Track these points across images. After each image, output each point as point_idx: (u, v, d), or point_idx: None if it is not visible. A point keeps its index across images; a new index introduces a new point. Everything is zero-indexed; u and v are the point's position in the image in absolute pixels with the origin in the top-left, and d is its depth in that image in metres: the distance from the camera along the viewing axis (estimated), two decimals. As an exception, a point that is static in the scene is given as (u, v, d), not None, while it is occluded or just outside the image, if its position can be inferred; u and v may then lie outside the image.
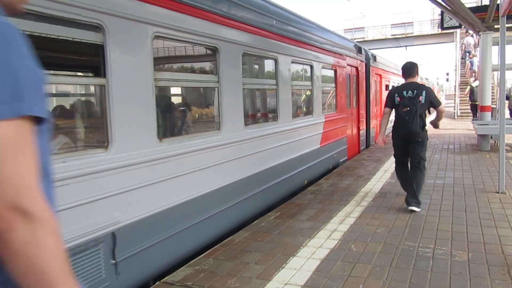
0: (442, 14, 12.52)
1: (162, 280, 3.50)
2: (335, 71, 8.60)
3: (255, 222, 5.05)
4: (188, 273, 3.61)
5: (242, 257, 3.94)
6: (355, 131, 10.63)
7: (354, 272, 3.50)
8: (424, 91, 5.19)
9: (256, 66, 6.29)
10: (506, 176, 6.47)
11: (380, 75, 13.96)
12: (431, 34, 38.48)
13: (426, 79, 34.26)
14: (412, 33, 40.82)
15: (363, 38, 41.92)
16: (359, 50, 10.83)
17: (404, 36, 40.84)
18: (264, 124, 5.92)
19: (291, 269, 3.63)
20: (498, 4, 8.42)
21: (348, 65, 9.51)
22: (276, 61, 5.85)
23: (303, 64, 6.94)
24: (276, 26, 5.73)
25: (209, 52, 4.50)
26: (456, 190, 6.25)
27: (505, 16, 6.03)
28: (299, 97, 7.43)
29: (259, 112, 6.39)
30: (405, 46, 42.22)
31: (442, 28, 13.36)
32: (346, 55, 9.27)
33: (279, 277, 3.46)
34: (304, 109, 7.55)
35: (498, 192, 6.03)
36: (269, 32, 5.55)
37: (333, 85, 8.56)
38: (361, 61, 10.96)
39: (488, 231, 4.42)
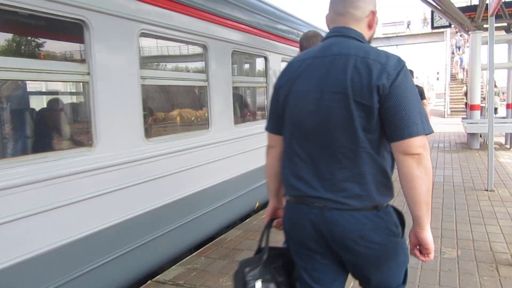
0: (432, 13, 12.64)
1: (153, 279, 3.49)
2: None
3: (247, 220, 5.06)
4: (179, 272, 3.60)
5: (234, 256, 3.94)
6: None
7: (345, 270, 3.52)
8: None
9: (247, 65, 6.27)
10: (494, 174, 6.56)
11: None
12: (421, 33, 38.75)
13: (417, 77, 34.59)
14: (403, 32, 41.07)
15: (355, 37, 42.10)
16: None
17: (395, 35, 41.08)
18: (253, 123, 5.80)
19: (283, 267, 3.63)
20: (487, 4, 8.52)
21: None
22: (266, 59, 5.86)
23: None
24: (265, 24, 5.72)
25: (198, 49, 4.46)
26: (446, 188, 6.32)
27: (494, 15, 6.10)
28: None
29: (247, 111, 6.31)
30: (396, 45, 42.44)
31: (433, 27, 13.50)
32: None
33: (270, 275, 3.47)
34: None
35: (487, 190, 6.10)
36: (259, 30, 5.54)
37: None
38: None
39: (477, 228, 4.47)
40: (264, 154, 1.85)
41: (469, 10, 10.77)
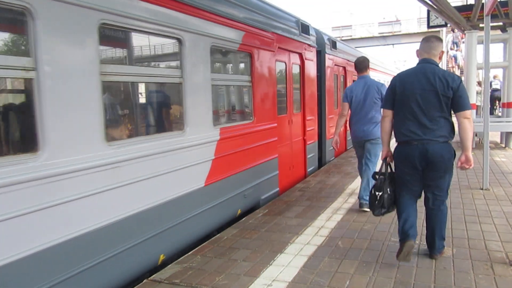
0: (428, 12, 12.66)
1: (149, 278, 3.48)
2: (251, 57, 5.47)
3: (243, 219, 5.06)
4: (176, 271, 3.60)
5: (230, 254, 3.94)
6: (297, 147, 7.30)
7: (341, 268, 3.54)
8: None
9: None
10: (490, 173, 6.59)
11: (344, 67, 10.83)
12: (418, 33, 38.86)
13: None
14: (400, 31, 41.17)
15: (351, 36, 42.14)
16: (304, 29, 7.43)
17: (391, 34, 41.17)
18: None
19: (279, 265, 3.64)
20: (483, 4, 8.54)
21: (280, 49, 6.38)
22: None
23: (162, 35, 3.92)
24: None
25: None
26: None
27: (490, 15, 6.12)
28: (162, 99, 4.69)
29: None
30: (392, 44, 42.53)
31: (429, 26, 13.51)
32: (275, 33, 6.13)
33: (267, 274, 3.48)
34: (161, 121, 4.53)
35: (482, 189, 6.14)
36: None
37: (247, 78, 5.49)
38: (309, 45, 7.68)
39: (472, 227, 4.50)
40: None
41: (465, 9, 10.80)
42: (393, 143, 3.63)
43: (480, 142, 10.75)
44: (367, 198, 4.35)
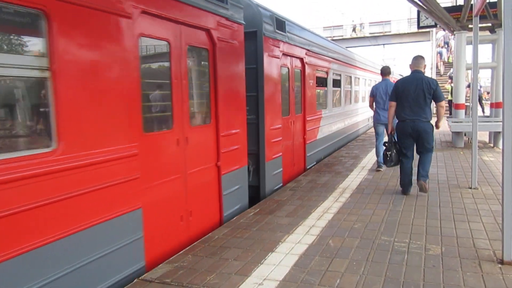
0: (418, 13, 12.78)
1: (140, 278, 3.47)
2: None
3: (234, 218, 5.06)
4: (167, 270, 3.59)
5: (221, 254, 3.94)
6: (201, 180, 4.63)
7: (331, 267, 3.56)
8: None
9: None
10: (478, 172, 6.68)
11: (302, 60, 7.81)
12: (408, 33, 39.15)
13: (401, 75, 34.98)
14: (390, 31, 41.42)
15: (342, 36, 42.29)
16: None
17: (382, 34, 41.40)
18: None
19: (270, 264, 3.65)
20: (472, 4, 8.64)
21: (149, 15, 3.70)
22: None
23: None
24: None
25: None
26: (431, 185, 6.41)
27: (478, 16, 6.20)
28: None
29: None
30: (383, 44, 42.78)
31: (419, 27, 13.64)
32: None
33: (258, 273, 3.49)
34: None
35: (471, 188, 6.21)
36: None
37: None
38: (227, 19, 5.02)
39: (461, 225, 4.55)
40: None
41: (454, 10, 10.92)
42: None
43: (468, 142, 10.89)
44: (382, 162, 7.14)
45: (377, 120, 7.98)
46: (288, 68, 7.24)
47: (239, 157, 5.42)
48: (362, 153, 10.00)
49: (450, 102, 14.70)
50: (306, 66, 8.01)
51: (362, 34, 42.20)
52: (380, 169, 7.73)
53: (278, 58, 6.59)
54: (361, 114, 14.90)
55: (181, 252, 4.02)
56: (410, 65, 5.99)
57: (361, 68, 14.49)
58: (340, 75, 11.18)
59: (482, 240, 4.08)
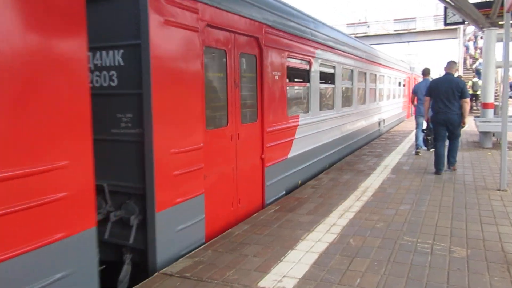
0: (445, 9, 12.43)
1: (160, 271, 3.50)
2: None
3: (254, 215, 5.05)
4: (187, 265, 3.61)
5: (241, 250, 3.94)
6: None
7: (352, 266, 3.50)
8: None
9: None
10: (507, 173, 6.46)
11: (257, 39, 5.23)
12: (434, 30, 38.26)
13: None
14: (415, 28, 40.58)
15: (365, 33, 41.72)
16: None
17: (406, 31, 40.62)
18: None
19: (290, 262, 3.62)
20: (502, 0, 8.35)
21: None
22: None
23: None
24: None
25: None
26: (457, 186, 6.24)
27: (510, 12, 5.97)
28: None
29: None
30: (408, 41, 41.99)
31: (445, 24, 13.27)
32: None
33: (277, 270, 3.46)
34: None
35: (499, 190, 6.01)
36: None
37: None
38: None
39: (488, 228, 4.41)
40: None
41: (484, 6, 10.56)
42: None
43: (497, 142, 10.55)
44: (421, 145, 8.90)
45: (418, 112, 9.68)
46: (225, 51, 4.64)
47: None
48: (385, 152, 9.83)
49: (471, 96, 14.43)
50: (266, 50, 5.42)
51: (386, 31, 41.49)
52: (419, 152, 9.36)
53: (194, 30, 3.97)
54: (370, 117, 12.01)
55: (201, 247, 4.04)
56: (445, 68, 7.58)
57: (372, 61, 11.51)
58: (334, 67, 8.35)
59: (511, 244, 3.94)
